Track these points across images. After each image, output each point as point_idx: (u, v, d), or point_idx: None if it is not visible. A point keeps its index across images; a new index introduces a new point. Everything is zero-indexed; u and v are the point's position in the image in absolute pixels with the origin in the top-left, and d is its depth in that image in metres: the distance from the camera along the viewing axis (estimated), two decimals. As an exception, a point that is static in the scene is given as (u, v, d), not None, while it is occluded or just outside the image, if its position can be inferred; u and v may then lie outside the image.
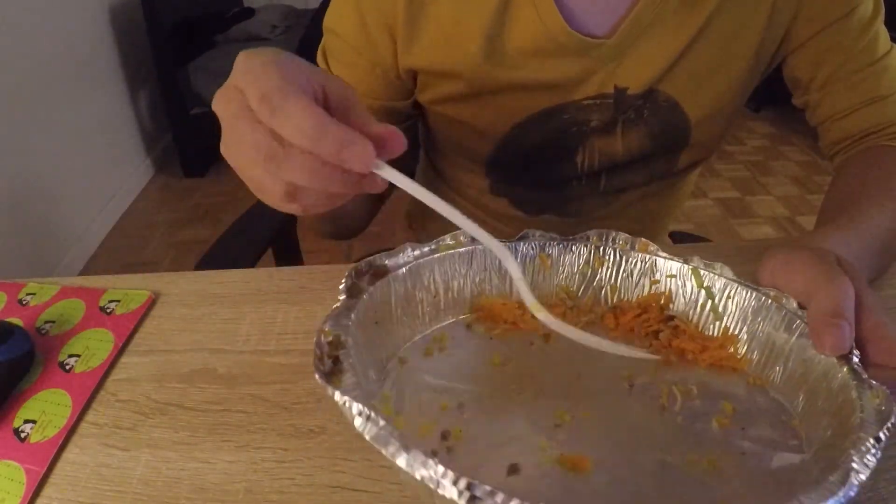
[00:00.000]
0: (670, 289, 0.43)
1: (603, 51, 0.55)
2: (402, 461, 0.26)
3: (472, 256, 0.43)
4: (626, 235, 0.44)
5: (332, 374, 0.31)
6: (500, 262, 0.42)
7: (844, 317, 0.35)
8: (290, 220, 0.83)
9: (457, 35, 0.55)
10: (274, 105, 0.30)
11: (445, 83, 0.58)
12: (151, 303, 0.51)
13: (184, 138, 2.43)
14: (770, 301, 0.39)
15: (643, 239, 0.44)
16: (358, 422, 0.28)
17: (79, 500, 0.36)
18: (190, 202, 2.36)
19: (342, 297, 0.36)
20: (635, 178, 0.66)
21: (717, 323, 0.42)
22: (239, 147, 0.33)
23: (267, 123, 0.31)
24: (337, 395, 0.29)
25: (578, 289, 0.45)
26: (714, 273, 0.42)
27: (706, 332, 0.42)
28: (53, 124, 1.91)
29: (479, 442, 0.34)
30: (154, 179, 2.54)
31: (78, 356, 0.46)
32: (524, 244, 0.44)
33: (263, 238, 0.79)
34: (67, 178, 1.98)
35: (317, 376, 0.30)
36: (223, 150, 0.35)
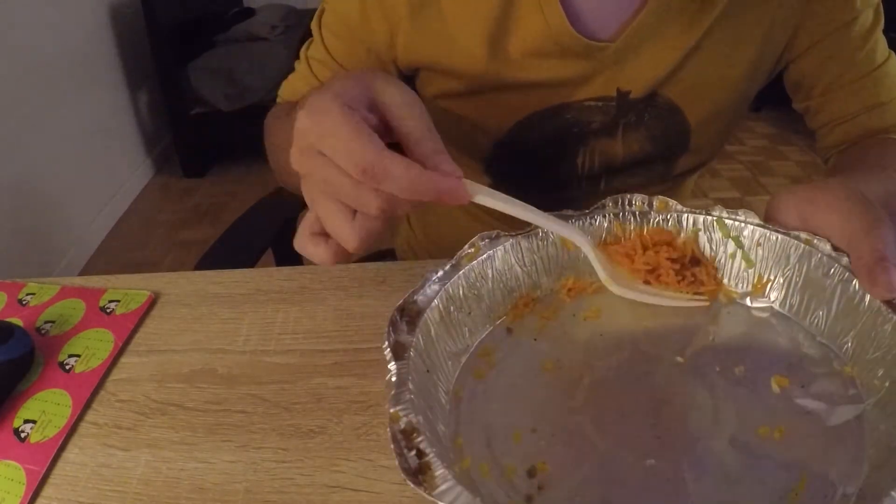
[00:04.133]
0: (698, 244, 0.43)
1: (607, 54, 0.55)
2: None
3: (493, 259, 0.42)
4: (642, 196, 0.44)
5: (422, 471, 0.29)
6: (522, 254, 0.43)
7: (891, 256, 0.34)
8: (290, 220, 0.83)
9: (460, 33, 0.55)
10: (377, 177, 0.32)
11: (447, 80, 0.59)
12: (151, 303, 0.51)
13: (184, 138, 2.43)
14: (803, 245, 0.38)
15: (660, 197, 0.44)
16: None
17: (79, 500, 0.36)
18: (190, 202, 2.36)
19: (391, 365, 0.34)
20: (634, 181, 0.66)
21: (751, 271, 0.41)
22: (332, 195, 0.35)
23: (369, 189, 0.33)
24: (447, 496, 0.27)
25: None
26: (739, 221, 0.41)
27: (741, 282, 0.42)
28: (53, 124, 1.91)
29: (566, 472, 0.33)
30: (154, 179, 2.54)
31: (78, 356, 0.46)
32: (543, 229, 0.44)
33: (263, 238, 0.79)
34: (67, 179, 1.98)
35: (410, 484, 0.28)
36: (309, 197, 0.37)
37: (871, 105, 0.58)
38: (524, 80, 0.57)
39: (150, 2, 2.17)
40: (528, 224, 0.42)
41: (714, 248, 0.43)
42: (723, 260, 0.42)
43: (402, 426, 0.31)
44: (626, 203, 0.44)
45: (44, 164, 1.86)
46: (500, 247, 0.42)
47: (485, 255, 0.42)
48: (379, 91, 0.35)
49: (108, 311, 0.50)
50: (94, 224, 2.11)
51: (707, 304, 0.41)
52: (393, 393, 0.33)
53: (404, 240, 0.86)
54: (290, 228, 0.87)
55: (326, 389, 0.42)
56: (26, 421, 0.41)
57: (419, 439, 0.30)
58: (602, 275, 0.40)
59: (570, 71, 0.56)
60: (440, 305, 0.39)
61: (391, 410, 0.31)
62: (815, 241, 0.38)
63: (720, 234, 0.42)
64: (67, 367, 0.45)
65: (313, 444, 0.38)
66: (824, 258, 0.38)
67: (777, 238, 0.40)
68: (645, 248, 0.43)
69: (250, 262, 0.73)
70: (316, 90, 0.35)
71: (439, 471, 0.28)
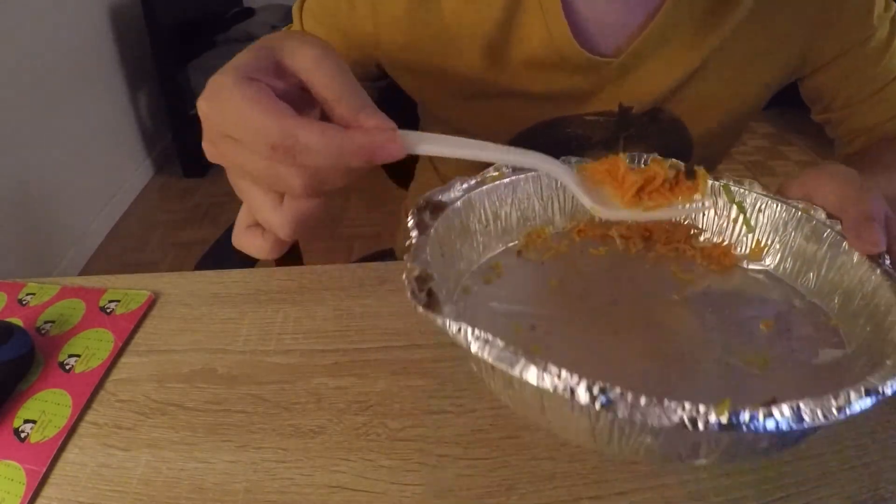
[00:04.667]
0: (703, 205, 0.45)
1: (610, 69, 0.54)
2: (531, 375, 0.26)
3: (516, 186, 0.45)
4: (657, 155, 0.46)
5: (431, 306, 0.30)
6: (542, 189, 0.45)
7: (878, 219, 0.37)
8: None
9: (459, 35, 0.54)
10: (291, 150, 0.29)
11: (443, 84, 0.58)
12: (151, 303, 0.51)
13: (184, 138, 2.43)
14: (800, 213, 0.41)
15: (673, 159, 0.46)
16: (475, 346, 0.28)
17: (79, 500, 0.36)
18: (190, 202, 2.36)
19: (413, 233, 0.37)
20: None
21: (750, 236, 0.44)
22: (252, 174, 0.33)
23: (288, 166, 0.30)
24: (449, 324, 0.28)
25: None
26: (744, 189, 0.44)
27: (739, 245, 0.45)
28: (53, 124, 1.91)
29: (562, 360, 0.35)
30: (154, 179, 2.54)
31: (78, 356, 0.46)
32: (564, 168, 0.45)
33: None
34: (67, 179, 1.98)
35: (420, 309, 0.30)
36: (236, 182, 0.35)
37: (893, 115, 0.59)
38: (523, 91, 0.56)
39: (150, 2, 2.17)
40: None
41: (718, 211, 0.45)
42: (725, 223, 0.45)
43: (417, 273, 0.33)
44: (640, 160, 0.46)
45: (44, 164, 1.86)
46: (523, 176, 0.45)
47: (508, 181, 0.44)
48: (287, 54, 0.32)
49: (108, 311, 0.50)
50: (94, 224, 2.11)
51: (704, 206, 0.42)
52: (412, 251, 0.35)
53: (403, 240, 0.87)
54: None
55: (326, 389, 0.42)
56: (26, 421, 0.41)
57: (430, 283, 0.32)
58: (586, 201, 0.38)
59: (571, 84, 0.55)
60: (462, 209, 0.42)
61: (409, 264, 0.33)
62: (812, 210, 0.41)
63: (725, 199, 0.45)
64: (67, 367, 0.45)
65: (313, 444, 0.38)
66: (818, 224, 0.41)
67: (777, 206, 0.43)
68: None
69: (250, 262, 0.73)
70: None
71: (447, 307, 0.30)
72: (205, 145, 0.33)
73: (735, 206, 0.44)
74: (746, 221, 0.44)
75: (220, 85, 0.30)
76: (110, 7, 2.32)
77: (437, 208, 0.40)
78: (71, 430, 0.40)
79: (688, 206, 0.40)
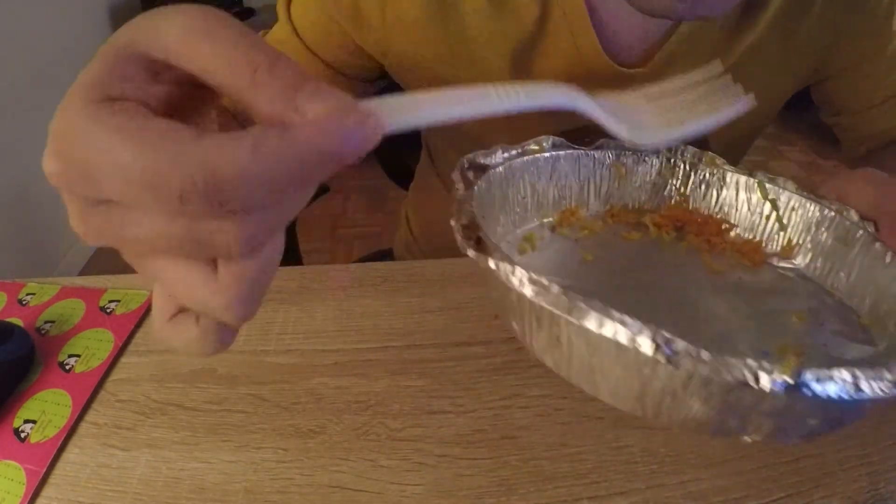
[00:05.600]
0: (737, 202, 0.46)
1: (636, 80, 0.53)
2: (591, 321, 0.25)
3: (555, 162, 0.44)
4: (694, 149, 0.46)
5: (482, 251, 0.29)
6: (580, 169, 0.45)
7: None
8: (290, 220, 0.83)
9: (482, 48, 0.53)
10: (211, 194, 0.18)
11: None
12: (151, 303, 0.51)
13: (184, 138, 2.43)
14: (833, 213, 0.41)
15: (710, 153, 0.46)
16: (530, 290, 0.26)
17: (79, 500, 0.36)
18: (190, 202, 2.36)
19: (459, 185, 0.36)
20: None
21: (782, 233, 0.44)
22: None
23: (212, 218, 0.19)
24: (503, 266, 0.27)
25: (650, 198, 0.47)
26: (778, 186, 0.44)
27: (771, 242, 0.44)
28: (53, 124, 1.91)
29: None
30: (154, 179, 2.54)
31: (78, 356, 0.46)
32: (600, 152, 0.46)
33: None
34: (67, 178, 1.98)
35: (471, 253, 0.29)
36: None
37: None
38: None
39: (150, 2, 2.17)
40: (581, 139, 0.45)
41: (751, 207, 0.45)
42: (757, 220, 0.45)
43: (465, 222, 0.32)
44: (679, 152, 0.47)
45: (44, 164, 1.86)
46: (563, 153, 0.44)
47: (548, 155, 0.44)
48: (147, 39, 0.19)
49: (108, 311, 0.50)
50: (94, 224, 2.11)
51: (749, 103, 0.41)
52: (457, 202, 0.34)
53: (402, 240, 0.86)
54: (289, 228, 0.87)
55: (326, 389, 0.42)
56: (26, 421, 0.41)
57: (479, 232, 0.31)
58: (622, 130, 0.35)
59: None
60: (503, 175, 0.41)
61: (456, 213, 0.32)
62: (845, 211, 0.41)
63: (759, 196, 0.45)
64: (67, 367, 0.45)
65: (313, 444, 0.38)
66: (850, 224, 0.40)
67: (810, 205, 0.43)
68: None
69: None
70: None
71: (497, 253, 0.29)
72: (73, 223, 0.21)
73: (768, 203, 0.45)
74: (779, 219, 0.44)
75: (66, 124, 0.19)
76: (110, 7, 2.32)
77: (480, 169, 0.40)
78: (71, 430, 0.40)
79: (731, 107, 0.39)
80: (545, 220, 0.44)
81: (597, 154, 0.45)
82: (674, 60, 0.53)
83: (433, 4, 0.52)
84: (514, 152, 0.43)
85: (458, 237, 0.30)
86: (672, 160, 0.47)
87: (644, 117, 0.39)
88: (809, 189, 0.44)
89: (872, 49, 0.56)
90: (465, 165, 0.39)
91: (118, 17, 2.35)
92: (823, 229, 0.42)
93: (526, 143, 0.43)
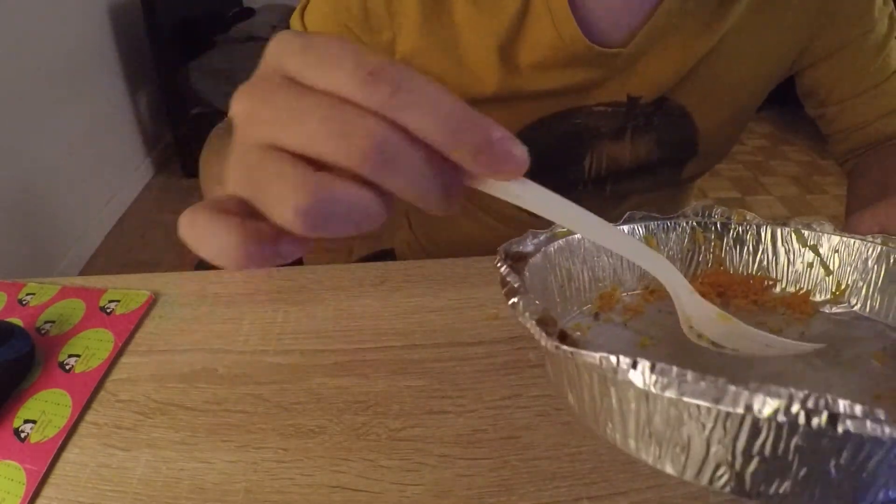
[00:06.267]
0: (776, 256, 0.44)
1: (618, 60, 0.54)
2: (757, 401, 0.21)
3: (585, 241, 0.42)
4: (723, 208, 0.45)
5: (571, 344, 0.26)
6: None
7: None
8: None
9: (471, 44, 0.54)
10: (394, 83, 0.20)
11: (454, 90, 0.57)
12: (151, 303, 0.51)
13: (184, 138, 2.43)
14: (880, 246, 0.40)
15: (739, 209, 0.45)
16: (637, 377, 0.23)
17: (79, 500, 0.36)
18: (190, 202, 2.32)
19: (510, 278, 0.32)
20: (640, 186, 0.66)
21: (829, 278, 0.42)
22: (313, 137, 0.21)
23: (380, 108, 0.20)
24: (605, 357, 0.24)
25: (685, 266, 0.45)
26: (815, 231, 0.43)
27: (819, 290, 0.42)
28: (53, 124, 1.91)
29: None
30: (154, 179, 2.54)
31: (78, 356, 0.46)
32: (628, 226, 0.44)
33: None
34: (67, 178, 1.98)
35: (564, 348, 0.25)
36: (237, 175, 0.23)
37: (887, 112, 0.59)
38: (532, 90, 0.56)
39: (150, 2, 2.17)
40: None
41: (792, 258, 0.44)
42: (801, 270, 0.43)
43: (539, 317, 0.28)
44: (707, 213, 0.45)
45: (44, 164, 1.86)
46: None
47: (578, 236, 0.42)
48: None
49: (108, 311, 0.50)
50: (94, 224, 2.11)
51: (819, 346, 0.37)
52: (518, 298, 0.30)
53: (404, 241, 0.87)
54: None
55: (326, 389, 0.42)
56: (26, 421, 0.41)
57: (559, 327, 0.27)
58: (691, 321, 0.34)
59: (580, 78, 0.55)
60: (541, 265, 0.39)
61: (521, 311, 0.29)
62: (891, 242, 0.40)
63: (797, 245, 0.43)
64: (67, 367, 0.45)
65: (313, 444, 0.38)
66: None
67: (853, 243, 0.41)
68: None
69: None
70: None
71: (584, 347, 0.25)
72: (241, 90, 0.22)
73: (809, 251, 0.43)
74: (823, 264, 0.42)
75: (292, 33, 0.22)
76: (110, 7, 2.32)
77: (518, 259, 0.37)
78: (71, 430, 0.40)
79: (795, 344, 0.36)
80: (584, 308, 0.42)
81: (626, 228, 0.44)
82: (655, 40, 0.54)
83: (428, 1, 0.53)
84: (542, 237, 0.40)
85: (539, 336, 0.27)
86: (703, 223, 0.45)
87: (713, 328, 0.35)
88: (842, 227, 0.43)
89: (856, 34, 0.57)
90: (503, 256, 0.35)
91: (118, 17, 2.35)
92: (872, 265, 0.40)
93: (553, 227, 0.40)
